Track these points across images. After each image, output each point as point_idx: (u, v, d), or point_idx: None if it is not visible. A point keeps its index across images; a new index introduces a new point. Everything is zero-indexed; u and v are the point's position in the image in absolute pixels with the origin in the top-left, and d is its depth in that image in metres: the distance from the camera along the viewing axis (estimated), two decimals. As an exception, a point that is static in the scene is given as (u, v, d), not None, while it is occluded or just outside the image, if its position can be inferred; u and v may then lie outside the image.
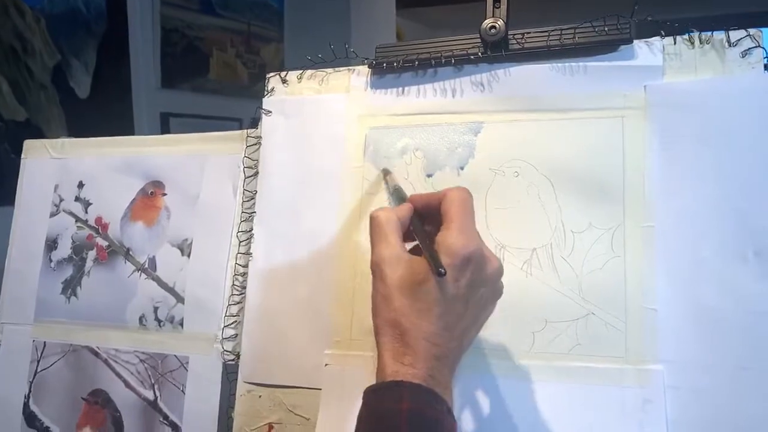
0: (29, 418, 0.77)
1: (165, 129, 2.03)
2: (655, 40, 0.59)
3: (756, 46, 0.56)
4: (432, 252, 0.48)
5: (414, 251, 0.51)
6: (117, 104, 1.93)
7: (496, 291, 0.52)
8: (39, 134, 1.67)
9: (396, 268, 0.48)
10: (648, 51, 0.59)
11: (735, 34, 0.56)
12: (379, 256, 0.49)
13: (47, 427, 0.76)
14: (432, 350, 0.47)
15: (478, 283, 0.49)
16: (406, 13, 3.32)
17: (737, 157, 0.55)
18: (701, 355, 0.54)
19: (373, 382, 0.54)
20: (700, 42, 0.57)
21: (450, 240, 0.48)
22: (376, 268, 0.50)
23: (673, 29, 0.58)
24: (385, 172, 0.65)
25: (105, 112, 1.87)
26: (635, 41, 0.58)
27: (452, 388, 0.49)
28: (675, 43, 0.58)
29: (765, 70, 0.55)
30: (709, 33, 0.57)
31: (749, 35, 0.56)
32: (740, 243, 0.54)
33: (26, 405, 0.77)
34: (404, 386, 0.45)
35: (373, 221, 0.51)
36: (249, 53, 2.38)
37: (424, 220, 0.53)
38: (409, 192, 0.61)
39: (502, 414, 0.57)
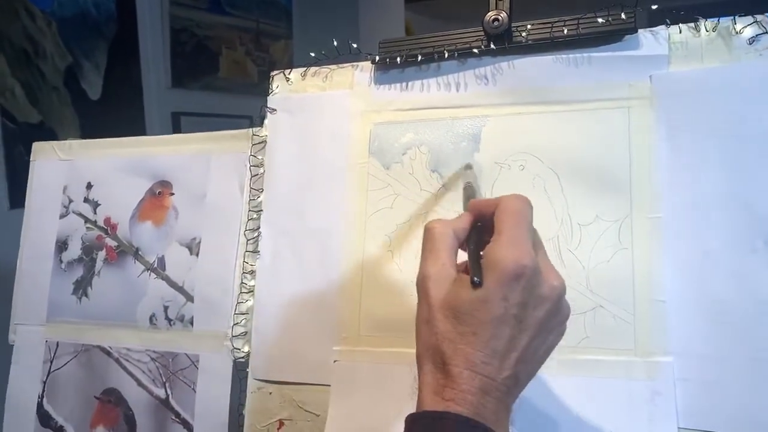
0: (43, 417, 0.78)
1: (176, 128, 2.05)
2: (660, 29, 0.58)
3: (764, 33, 0.54)
4: (475, 263, 0.43)
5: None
6: (128, 105, 1.95)
7: (560, 313, 0.45)
8: (52, 136, 1.69)
9: (441, 287, 0.44)
10: (653, 40, 0.58)
11: (742, 21, 0.55)
12: (426, 272, 0.45)
13: (61, 427, 0.77)
14: (476, 382, 0.41)
15: (532, 304, 0.42)
16: (415, 6, 3.31)
17: (745, 146, 0.54)
18: (711, 346, 0.53)
19: (381, 376, 0.54)
20: (706, 30, 0.56)
21: (497, 253, 0.42)
22: (421, 286, 0.45)
23: (678, 17, 0.57)
24: (467, 167, 0.61)
25: (117, 113, 1.89)
26: (640, 30, 0.58)
27: (509, 429, 0.43)
28: (680, 31, 0.57)
29: (773, 56, 0.54)
30: (716, 20, 0.56)
31: (756, 21, 0.55)
32: (749, 233, 0.53)
33: (40, 405, 0.78)
34: (449, 418, 0.40)
35: (427, 233, 0.46)
36: (258, 51, 2.39)
37: (486, 230, 0.47)
38: (413, 187, 0.61)
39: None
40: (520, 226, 0.44)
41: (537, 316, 0.43)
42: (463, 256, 0.47)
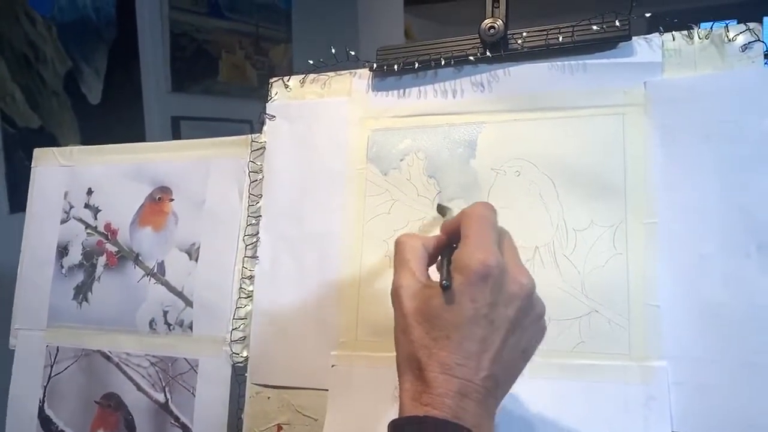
0: (44, 422, 0.79)
1: (176, 132, 2.05)
2: (654, 37, 0.58)
3: (756, 40, 0.55)
4: (445, 269, 0.45)
5: None
6: (128, 109, 1.95)
7: (532, 310, 0.45)
8: (52, 141, 1.70)
9: (413, 296, 0.45)
10: (647, 47, 0.59)
11: (734, 29, 0.56)
12: (398, 284, 0.46)
13: (62, 431, 0.78)
14: (453, 385, 0.41)
15: (502, 302, 0.43)
16: (414, 10, 3.32)
17: (738, 152, 0.54)
18: (706, 351, 0.54)
19: (379, 381, 0.55)
20: (699, 37, 0.57)
21: (464, 256, 0.44)
22: (394, 298, 0.46)
23: (672, 25, 0.58)
24: (444, 210, 0.61)
25: (117, 117, 1.89)
26: (634, 38, 0.58)
27: None
28: (674, 39, 0.58)
29: (765, 64, 0.55)
30: (708, 28, 0.57)
31: (749, 29, 0.55)
32: (743, 238, 0.54)
33: (41, 409, 0.79)
34: (428, 422, 0.40)
35: (397, 247, 0.48)
36: (258, 55, 2.40)
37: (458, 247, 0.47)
38: (410, 193, 0.61)
39: (505, 412, 0.57)
40: (484, 229, 0.45)
41: (508, 315, 0.43)
42: (436, 274, 0.48)
